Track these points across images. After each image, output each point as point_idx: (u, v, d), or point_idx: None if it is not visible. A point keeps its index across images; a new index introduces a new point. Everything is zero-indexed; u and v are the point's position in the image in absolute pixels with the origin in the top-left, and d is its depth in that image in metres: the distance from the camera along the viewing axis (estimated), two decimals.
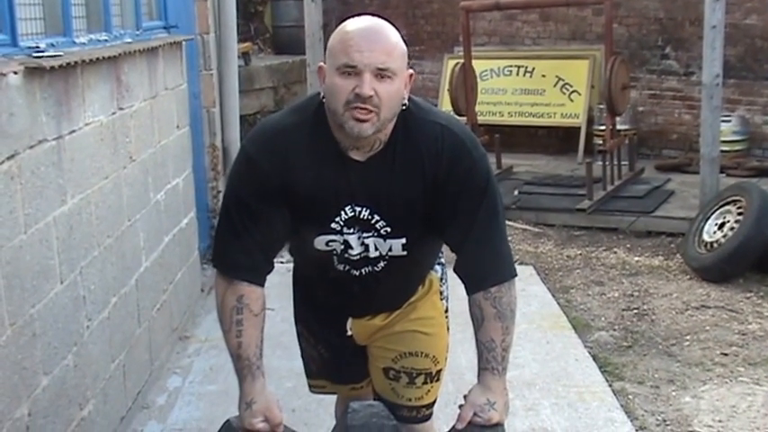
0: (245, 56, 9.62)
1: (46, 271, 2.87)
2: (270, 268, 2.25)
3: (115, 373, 3.56)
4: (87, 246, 3.29)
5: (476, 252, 2.20)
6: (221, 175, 6.24)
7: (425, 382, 2.51)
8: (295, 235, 2.29)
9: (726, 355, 4.53)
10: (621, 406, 3.89)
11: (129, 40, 4.17)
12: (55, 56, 3.00)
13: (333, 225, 2.21)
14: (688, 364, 4.43)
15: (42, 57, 2.94)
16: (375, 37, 2.06)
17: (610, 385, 4.12)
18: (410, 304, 2.48)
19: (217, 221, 2.31)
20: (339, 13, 10.34)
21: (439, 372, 2.53)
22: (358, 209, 2.20)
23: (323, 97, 2.15)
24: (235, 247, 2.19)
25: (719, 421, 3.81)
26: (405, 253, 2.25)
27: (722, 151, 7.98)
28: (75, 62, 3.16)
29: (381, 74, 2.05)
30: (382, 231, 2.23)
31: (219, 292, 2.22)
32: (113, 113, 3.69)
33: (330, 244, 2.25)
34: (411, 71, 2.15)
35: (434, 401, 2.59)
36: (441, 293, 2.55)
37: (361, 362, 2.57)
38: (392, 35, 2.10)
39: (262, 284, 2.23)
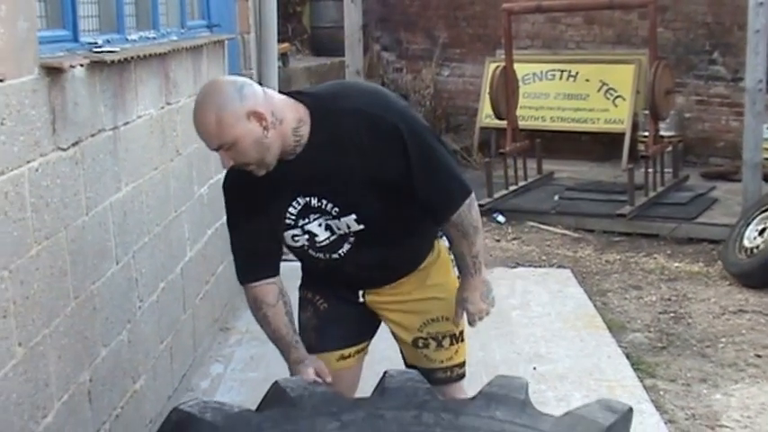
0: (283, 57, 9.99)
1: (104, 252, 3.24)
2: (272, 262, 2.70)
3: (163, 354, 3.93)
4: (139, 232, 3.66)
5: (427, 193, 2.56)
6: None
7: (452, 344, 2.89)
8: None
9: (760, 356, 4.80)
10: (651, 400, 4.18)
11: (175, 38, 4.55)
12: (112, 51, 3.38)
13: (287, 220, 2.62)
14: (721, 365, 4.71)
15: (102, 52, 3.32)
16: (202, 127, 2.40)
17: (641, 381, 4.41)
18: (421, 270, 2.84)
19: None
20: (379, 14, 10.72)
21: (461, 332, 2.91)
22: (306, 199, 2.59)
23: None
24: (239, 256, 2.72)
25: (748, 417, 4.09)
26: (362, 227, 2.61)
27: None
28: (130, 58, 3.54)
29: (224, 148, 2.40)
30: (333, 212, 2.59)
31: (245, 295, 2.75)
32: (162, 108, 4.06)
33: (296, 238, 2.66)
34: (253, 109, 2.39)
35: (465, 362, 2.95)
36: (452, 261, 2.87)
37: (360, 320, 2.88)
38: (209, 114, 2.37)
39: (270, 279, 2.68)
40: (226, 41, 5.45)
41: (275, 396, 2.40)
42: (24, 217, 2.57)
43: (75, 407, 2.93)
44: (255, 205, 2.61)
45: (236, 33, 6.10)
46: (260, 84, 6.99)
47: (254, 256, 2.68)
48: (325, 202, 2.58)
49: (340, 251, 2.68)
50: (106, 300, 3.23)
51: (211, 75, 5.04)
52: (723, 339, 5.07)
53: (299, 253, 2.72)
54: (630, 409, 2.30)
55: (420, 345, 2.88)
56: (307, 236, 2.65)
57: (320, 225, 2.63)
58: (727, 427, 4.02)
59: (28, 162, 2.60)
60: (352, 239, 2.65)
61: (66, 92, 2.92)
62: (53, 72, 2.78)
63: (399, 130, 2.48)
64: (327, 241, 2.66)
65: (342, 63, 9.97)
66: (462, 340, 2.92)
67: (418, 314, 2.86)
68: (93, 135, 3.16)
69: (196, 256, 4.57)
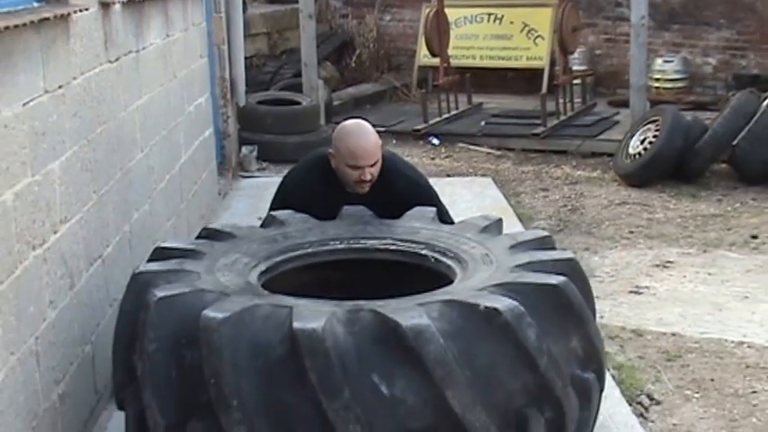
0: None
1: (134, 141, 4.36)
2: None
3: (170, 231, 5.06)
4: (153, 132, 4.77)
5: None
6: (230, 103, 7.72)
7: None
8: None
9: (632, 233, 6.10)
10: None
11: None
12: None
13: None
14: (602, 239, 6.00)
15: None
16: (368, 146, 3.59)
17: None
18: None
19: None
20: None
21: None
22: None
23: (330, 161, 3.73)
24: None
25: (615, 270, 5.38)
26: None
27: (665, 88, 9.56)
28: None
29: (373, 164, 3.62)
30: None
31: None
32: (164, 39, 5.15)
33: None
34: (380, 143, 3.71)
35: None
36: None
37: None
38: (372, 138, 3.62)
39: None
40: None
41: (269, 221, 3.58)
42: (93, 106, 3.69)
43: (122, 248, 4.08)
44: (307, 208, 3.69)
45: None
46: (228, 25, 8.02)
47: None
48: None
49: None
50: (137, 176, 4.36)
51: (194, 15, 6.11)
52: (606, 222, 6.35)
53: None
54: (500, 219, 3.51)
55: None
56: None
57: None
58: (598, 276, 5.29)
59: (94, 68, 3.71)
60: None
61: (112, 21, 4.01)
62: (105, 6, 3.88)
63: (430, 190, 3.90)
64: None
65: (294, 10, 10.97)
66: None
67: None
68: (125, 54, 4.26)
69: (188, 161, 5.69)
